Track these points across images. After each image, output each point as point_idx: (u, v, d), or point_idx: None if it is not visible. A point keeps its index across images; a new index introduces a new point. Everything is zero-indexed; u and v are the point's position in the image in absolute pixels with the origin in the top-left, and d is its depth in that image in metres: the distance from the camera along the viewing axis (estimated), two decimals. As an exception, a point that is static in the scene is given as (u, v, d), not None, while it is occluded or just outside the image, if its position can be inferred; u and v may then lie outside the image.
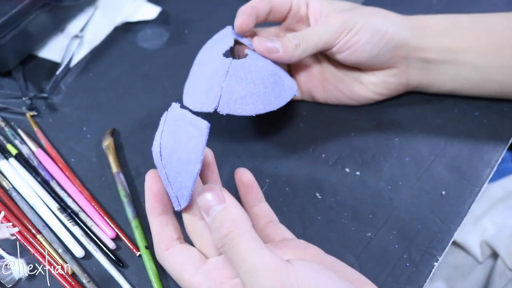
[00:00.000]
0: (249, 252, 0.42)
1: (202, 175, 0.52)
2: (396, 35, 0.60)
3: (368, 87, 0.63)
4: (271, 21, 0.62)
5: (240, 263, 0.42)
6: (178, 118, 0.48)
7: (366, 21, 0.59)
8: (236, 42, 0.60)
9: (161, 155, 0.47)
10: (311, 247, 0.50)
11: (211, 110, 0.56)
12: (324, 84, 0.64)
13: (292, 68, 0.65)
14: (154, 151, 0.49)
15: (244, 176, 0.53)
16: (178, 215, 0.50)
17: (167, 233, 0.48)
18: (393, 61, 0.61)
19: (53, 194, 0.58)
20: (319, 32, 0.59)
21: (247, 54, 0.58)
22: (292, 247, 0.50)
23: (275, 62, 0.59)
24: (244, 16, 0.59)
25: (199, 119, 0.47)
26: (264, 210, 0.53)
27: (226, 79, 0.56)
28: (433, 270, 0.54)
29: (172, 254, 0.47)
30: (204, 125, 0.46)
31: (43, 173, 0.60)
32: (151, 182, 0.49)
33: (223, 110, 0.56)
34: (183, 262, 0.47)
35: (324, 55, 0.64)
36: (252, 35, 0.62)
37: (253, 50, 0.59)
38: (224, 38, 0.60)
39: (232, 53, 0.62)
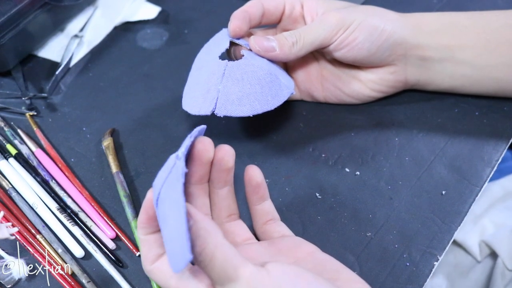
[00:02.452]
0: (223, 266, 0.42)
1: (219, 178, 0.51)
2: (394, 33, 0.59)
3: (367, 84, 0.63)
4: (266, 24, 0.62)
5: (216, 278, 0.42)
6: (171, 198, 0.42)
7: (364, 19, 0.59)
8: (232, 43, 0.60)
9: (157, 204, 0.44)
10: (307, 245, 0.50)
11: (208, 113, 0.56)
12: (323, 83, 0.64)
13: (289, 68, 0.65)
14: (154, 188, 0.45)
15: (255, 176, 0.51)
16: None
17: (154, 250, 0.47)
18: (391, 58, 0.61)
19: (52, 194, 0.58)
20: (316, 30, 0.59)
21: (243, 55, 0.58)
22: (287, 244, 0.50)
23: (272, 61, 0.59)
24: (237, 21, 0.59)
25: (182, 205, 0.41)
26: (266, 208, 0.53)
27: (222, 81, 0.56)
28: (433, 270, 0.54)
29: (157, 266, 0.47)
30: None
31: (42, 173, 0.60)
32: (148, 204, 0.46)
33: (220, 112, 0.56)
34: (169, 270, 0.46)
35: (321, 53, 0.63)
36: (249, 35, 0.61)
37: (249, 50, 0.59)
38: (220, 41, 0.60)
39: (229, 54, 0.61)
